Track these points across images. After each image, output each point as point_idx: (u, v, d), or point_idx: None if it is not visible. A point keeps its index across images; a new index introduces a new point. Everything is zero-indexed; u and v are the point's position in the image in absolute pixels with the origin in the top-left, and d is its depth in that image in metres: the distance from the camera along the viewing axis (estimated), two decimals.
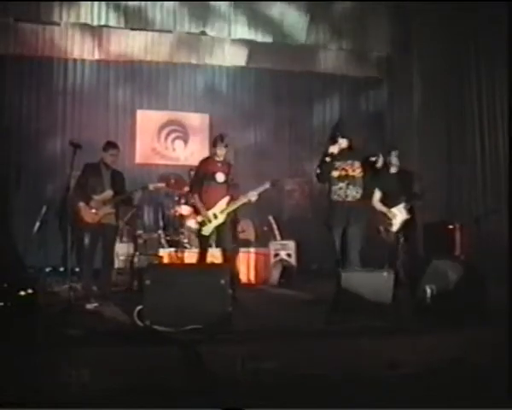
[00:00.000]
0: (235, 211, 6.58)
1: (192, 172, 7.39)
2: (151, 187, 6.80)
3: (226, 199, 6.42)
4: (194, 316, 4.54)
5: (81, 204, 6.26)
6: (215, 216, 6.38)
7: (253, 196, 6.34)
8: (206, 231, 6.40)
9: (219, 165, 6.51)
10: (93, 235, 6.35)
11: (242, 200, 6.42)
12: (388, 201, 6.97)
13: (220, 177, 6.47)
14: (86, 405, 3.14)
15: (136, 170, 9.55)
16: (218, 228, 6.41)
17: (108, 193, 6.38)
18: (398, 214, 6.91)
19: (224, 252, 6.45)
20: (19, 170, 9.25)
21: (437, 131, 9.63)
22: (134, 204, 7.27)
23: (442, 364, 3.68)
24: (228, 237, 6.56)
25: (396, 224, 6.90)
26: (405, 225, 6.91)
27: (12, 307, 4.17)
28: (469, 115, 9.38)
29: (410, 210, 6.95)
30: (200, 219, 6.45)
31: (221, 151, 6.50)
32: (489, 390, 3.27)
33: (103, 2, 8.63)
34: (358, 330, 4.84)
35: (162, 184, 6.90)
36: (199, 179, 6.54)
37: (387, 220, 6.95)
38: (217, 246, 6.77)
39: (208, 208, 6.38)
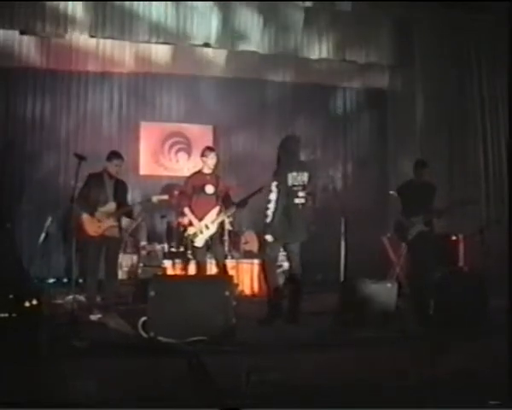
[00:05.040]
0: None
1: None
2: (155, 199, 6.73)
3: (216, 209, 6.52)
4: (198, 327, 4.56)
5: (84, 216, 6.21)
6: (206, 227, 6.44)
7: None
8: (199, 242, 6.48)
9: (208, 177, 6.64)
10: (96, 247, 6.31)
11: (232, 209, 6.61)
12: (408, 210, 6.95)
13: (209, 189, 6.59)
14: None
15: (140, 182, 9.58)
16: (211, 239, 6.50)
17: (112, 205, 6.32)
18: (416, 225, 6.86)
19: (218, 263, 6.57)
20: (23, 182, 9.27)
21: (439, 142, 9.64)
22: (134, 217, 7.29)
23: (445, 373, 3.69)
24: (220, 247, 6.78)
25: (411, 234, 6.87)
26: (420, 236, 6.84)
27: (17, 317, 4.17)
28: (472, 125, 9.41)
29: (427, 223, 6.90)
30: (192, 230, 6.51)
31: (210, 163, 6.65)
32: (489, 391, 3.28)
33: (107, 15, 8.67)
34: (362, 340, 4.85)
35: (166, 196, 6.90)
36: (188, 193, 6.63)
37: (403, 230, 6.94)
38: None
39: (199, 220, 6.47)
